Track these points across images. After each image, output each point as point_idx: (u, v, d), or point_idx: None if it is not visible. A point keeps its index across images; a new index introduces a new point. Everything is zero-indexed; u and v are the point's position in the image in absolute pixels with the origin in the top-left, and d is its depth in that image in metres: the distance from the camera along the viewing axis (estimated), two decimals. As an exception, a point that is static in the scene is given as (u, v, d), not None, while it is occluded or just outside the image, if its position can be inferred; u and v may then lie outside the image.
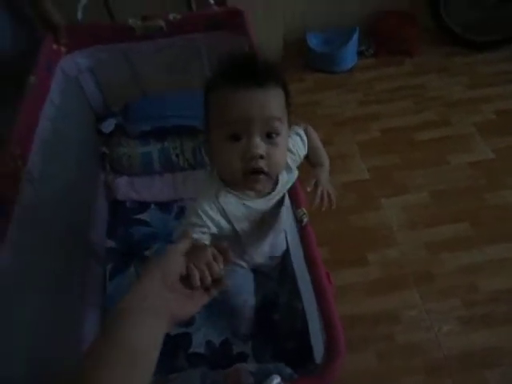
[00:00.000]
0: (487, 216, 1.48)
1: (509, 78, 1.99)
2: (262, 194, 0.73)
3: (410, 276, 1.34)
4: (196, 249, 0.51)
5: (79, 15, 1.18)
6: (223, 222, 0.71)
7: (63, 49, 1.16)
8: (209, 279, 0.49)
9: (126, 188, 1.36)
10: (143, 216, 1.32)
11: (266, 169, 0.63)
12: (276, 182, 0.74)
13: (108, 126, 1.36)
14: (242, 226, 0.75)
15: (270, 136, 0.63)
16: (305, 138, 0.82)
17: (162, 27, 1.20)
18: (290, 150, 0.76)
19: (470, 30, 2.13)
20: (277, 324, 1.04)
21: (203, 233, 0.68)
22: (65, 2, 1.12)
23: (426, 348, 1.19)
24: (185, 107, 1.34)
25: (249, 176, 0.63)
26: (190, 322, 1.06)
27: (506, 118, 1.81)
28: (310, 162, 0.86)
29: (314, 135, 0.86)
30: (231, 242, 0.72)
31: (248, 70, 0.61)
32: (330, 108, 1.94)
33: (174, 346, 1.02)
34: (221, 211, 0.70)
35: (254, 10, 1.41)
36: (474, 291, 1.29)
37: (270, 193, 0.74)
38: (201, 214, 0.68)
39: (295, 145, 0.79)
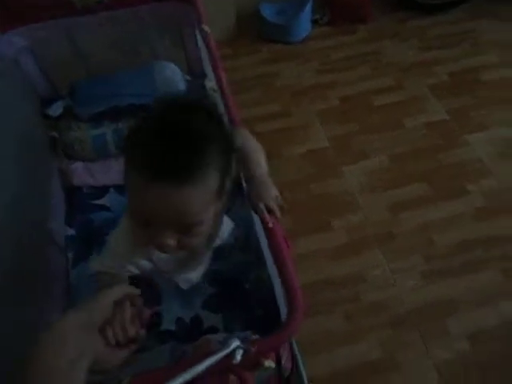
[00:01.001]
0: (442, 174, 1.54)
1: (458, 40, 2.04)
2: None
3: (372, 238, 1.39)
4: (118, 306, 0.50)
5: (10, -10, 1.09)
6: (147, 264, 0.69)
7: (-5, 28, 1.08)
8: (123, 341, 0.49)
9: (82, 173, 1.31)
10: (102, 201, 1.28)
11: (175, 251, 0.58)
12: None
13: (56, 109, 1.29)
14: (166, 266, 0.73)
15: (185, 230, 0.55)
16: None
17: (103, 0, 1.13)
18: None
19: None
20: (247, 294, 1.06)
21: (123, 271, 0.67)
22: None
23: (391, 304, 1.25)
24: (138, 84, 1.29)
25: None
26: (157, 303, 1.06)
27: (458, 79, 1.87)
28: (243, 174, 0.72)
29: (250, 143, 0.73)
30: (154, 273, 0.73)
31: (171, 154, 0.47)
32: (287, 79, 1.92)
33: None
34: (147, 256, 0.68)
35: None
36: (432, 247, 1.36)
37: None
38: (126, 264, 0.66)
39: None
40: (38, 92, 1.31)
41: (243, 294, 1.08)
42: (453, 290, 1.26)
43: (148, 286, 0.98)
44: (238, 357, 0.47)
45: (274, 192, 0.66)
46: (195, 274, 0.90)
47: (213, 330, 1.01)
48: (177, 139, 0.48)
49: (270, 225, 0.61)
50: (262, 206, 0.63)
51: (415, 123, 1.70)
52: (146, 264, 0.68)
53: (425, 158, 1.59)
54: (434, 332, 1.19)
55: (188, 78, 1.40)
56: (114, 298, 0.50)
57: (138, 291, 0.54)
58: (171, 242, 0.54)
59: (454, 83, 1.85)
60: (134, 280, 0.73)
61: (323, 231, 1.41)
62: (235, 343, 0.48)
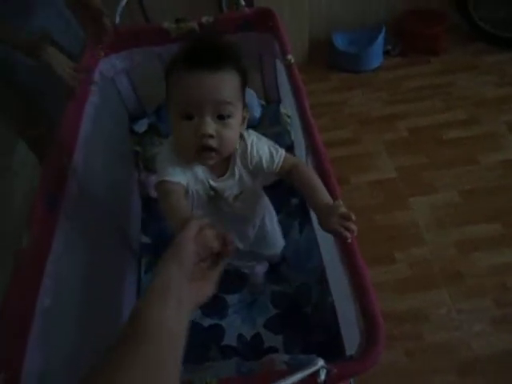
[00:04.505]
0: (519, 216, 1.46)
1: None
2: (216, 174, 0.78)
3: (439, 275, 1.34)
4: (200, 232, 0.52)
5: (117, 19, 1.23)
6: (200, 173, 0.76)
7: (102, 52, 1.21)
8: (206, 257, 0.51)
9: (158, 186, 1.41)
10: (175, 212, 1.36)
11: (215, 146, 0.68)
12: (228, 164, 0.78)
13: (141, 125, 1.41)
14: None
15: (221, 117, 0.67)
16: (278, 157, 0.77)
17: (195, 29, 1.24)
18: (244, 139, 0.76)
19: (500, 27, 2.09)
20: (308, 317, 1.06)
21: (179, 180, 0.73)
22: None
23: (457, 348, 1.18)
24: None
25: (200, 153, 0.69)
26: (223, 315, 1.09)
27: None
28: (309, 204, 0.75)
29: (309, 173, 0.77)
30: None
31: (204, 54, 0.66)
32: (356, 107, 1.94)
33: (207, 338, 1.05)
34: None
35: (280, 10, 1.44)
36: (505, 291, 1.27)
37: (223, 174, 0.78)
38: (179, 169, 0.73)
39: (260, 148, 0.77)
40: (128, 109, 1.44)
41: (304, 317, 1.09)
42: (527, 341, 1.17)
43: (214, 298, 1.02)
44: (323, 376, 0.49)
45: (341, 210, 0.66)
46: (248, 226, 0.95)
47: (273, 350, 1.03)
48: (207, 46, 0.68)
49: (349, 240, 0.64)
50: (335, 229, 0.65)
51: (490, 160, 1.64)
52: (199, 171, 0.76)
53: (499, 197, 1.52)
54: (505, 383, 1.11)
55: (263, 102, 1.47)
56: (192, 235, 0.50)
57: (207, 221, 0.55)
58: (210, 129, 0.66)
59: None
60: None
61: (386, 263, 1.38)
62: (320, 363, 0.49)
